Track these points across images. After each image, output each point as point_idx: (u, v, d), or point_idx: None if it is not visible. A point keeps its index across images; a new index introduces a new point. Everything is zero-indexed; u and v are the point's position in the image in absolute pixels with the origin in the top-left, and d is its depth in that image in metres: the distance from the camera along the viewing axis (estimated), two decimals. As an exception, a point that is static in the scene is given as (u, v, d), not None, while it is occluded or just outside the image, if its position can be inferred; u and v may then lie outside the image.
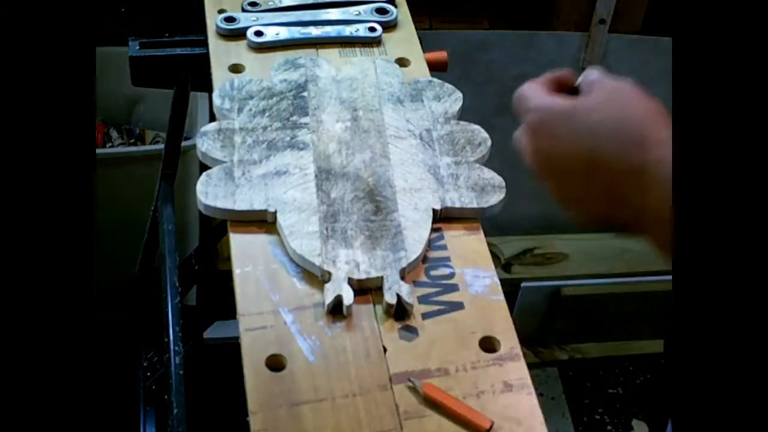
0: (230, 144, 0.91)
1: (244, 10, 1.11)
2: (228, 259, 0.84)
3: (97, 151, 1.72)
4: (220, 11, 1.10)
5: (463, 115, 0.99)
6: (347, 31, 1.09)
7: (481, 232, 0.87)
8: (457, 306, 0.80)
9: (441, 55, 1.10)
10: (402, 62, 1.06)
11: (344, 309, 0.78)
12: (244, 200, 0.86)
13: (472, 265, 0.84)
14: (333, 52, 1.07)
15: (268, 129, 0.94)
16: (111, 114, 1.91)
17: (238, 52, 1.06)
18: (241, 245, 0.84)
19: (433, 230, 0.86)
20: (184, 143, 1.30)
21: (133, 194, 1.57)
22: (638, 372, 2.04)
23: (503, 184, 0.90)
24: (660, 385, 1.98)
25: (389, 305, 0.79)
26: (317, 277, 0.81)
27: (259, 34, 1.07)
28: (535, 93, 0.71)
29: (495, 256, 2.06)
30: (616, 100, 0.64)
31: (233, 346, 0.77)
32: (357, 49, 1.08)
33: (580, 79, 0.71)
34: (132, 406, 1.44)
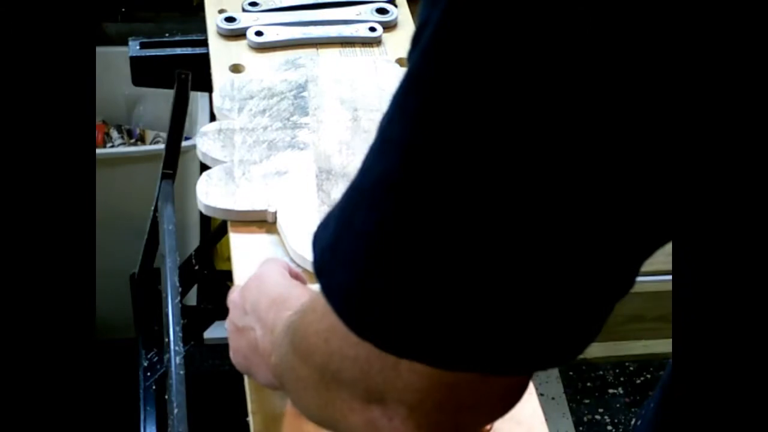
0: (230, 144, 0.91)
1: (244, 10, 1.11)
2: (228, 259, 0.84)
3: (97, 151, 1.72)
4: (221, 11, 1.10)
5: (464, 115, 0.99)
6: (347, 31, 1.09)
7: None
8: (458, 306, 0.80)
9: (441, 55, 1.10)
10: (402, 62, 1.06)
11: (344, 309, 0.78)
12: (245, 200, 0.86)
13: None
14: (333, 52, 1.07)
15: (268, 129, 0.94)
16: (111, 114, 1.91)
17: (238, 52, 1.06)
18: (241, 245, 0.84)
19: (433, 230, 0.86)
20: (184, 143, 1.30)
21: (133, 194, 1.57)
22: (638, 372, 2.04)
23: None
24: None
25: (389, 305, 0.78)
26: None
27: (259, 34, 1.06)
28: None
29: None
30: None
31: (233, 346, 0.77)
32: (357, 49, 1.08)
33: None
34: (132, 406, 1.44)
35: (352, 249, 0.42)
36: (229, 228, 0.86)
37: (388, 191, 0.40)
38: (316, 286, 0.44)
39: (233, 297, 0.71)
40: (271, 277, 0.69)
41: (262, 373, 0.65)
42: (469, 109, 0.37)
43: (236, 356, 0.69)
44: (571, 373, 2.00)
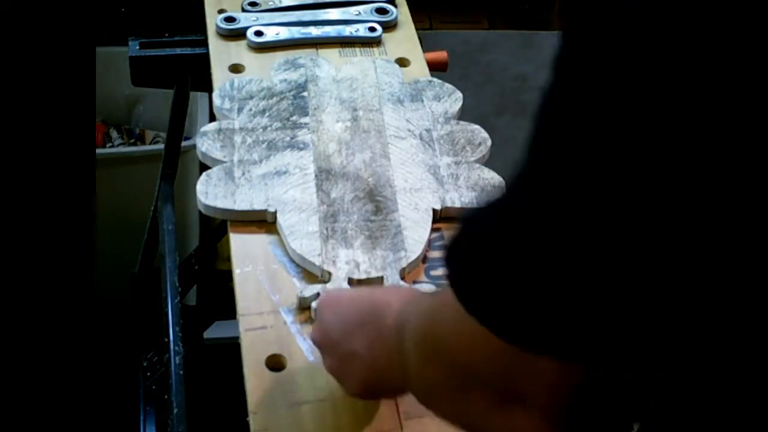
0: (230, 144, 0.91)
1: (244, 10, 1.11)
2: (228, 259, 0.84)
3: (97, 151, 1.71)
4: (220, 11, 1.10)
5: (463, 115, 0.99)
6: (347, 31, 1.09)
7: (481, 232, 0.87)
8: (457, 306, 0.80)
9: (441, 55, 1.10)
10: (402, 62, 1.06)
11: (344, 309, 0.78)
12: (244, 200, 0.86)
13: (472, 265, 0.84)
14: (333, 52, 1.07)
15: (268, 129, 0.94)
16: (111, 114, 1.91)
17: (238, 52, 1.06)
18: (241, 245, 0.84)
19: (433, 230, 0.86)
20: (184, 143, 1.30)
21: (133, 194, 1.57)
22: (638, 372, 2.03)
23: (503, 184, 0.90)
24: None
25: (389, 305, 0.79)
26: (317, 277, 0.81)
27: (259, 34, 1.07)
28: None
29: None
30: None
31: (233, 346, 0.77)
32: (357, 49, 1.08)
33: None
34: (132, 406, 1.44)
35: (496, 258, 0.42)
36: (229, 228, 0.86)
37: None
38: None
39: (314, 337, 0.67)
40: (343, 297, 0.66)
41: (388, 387, 0.62)
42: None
43: (353, 386, 0.65)
44: (570, 373, 2.00)
